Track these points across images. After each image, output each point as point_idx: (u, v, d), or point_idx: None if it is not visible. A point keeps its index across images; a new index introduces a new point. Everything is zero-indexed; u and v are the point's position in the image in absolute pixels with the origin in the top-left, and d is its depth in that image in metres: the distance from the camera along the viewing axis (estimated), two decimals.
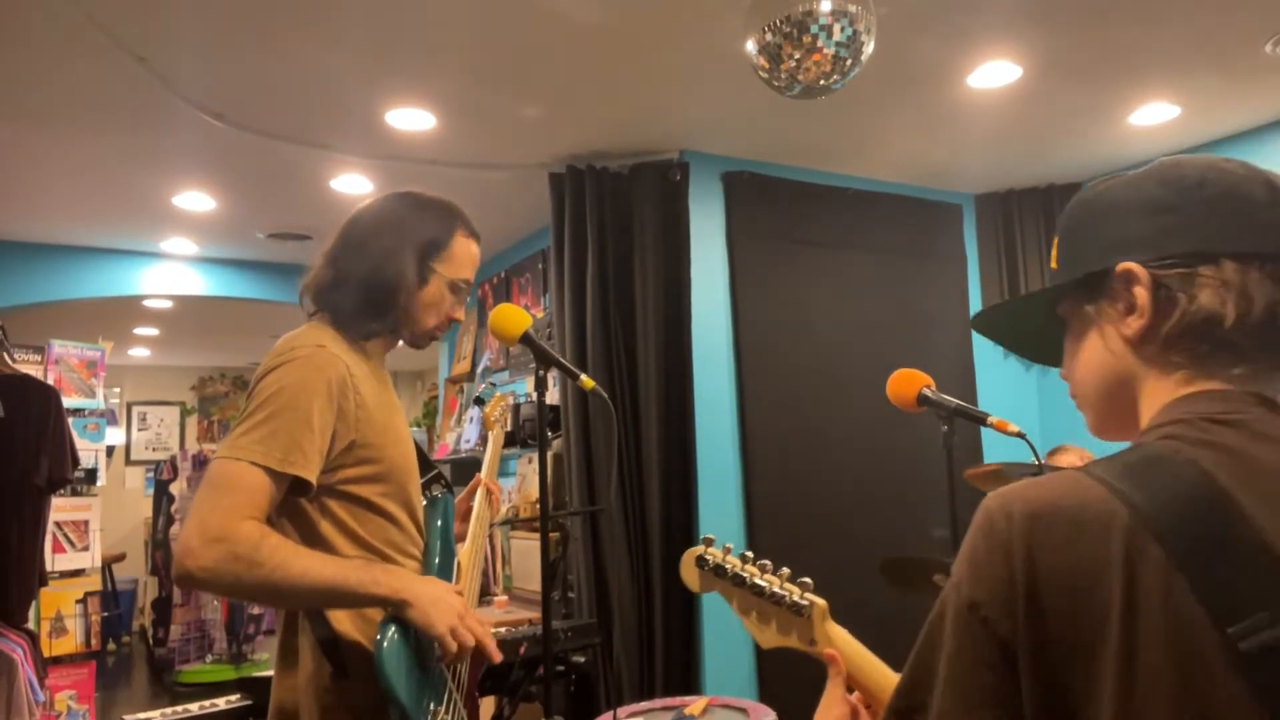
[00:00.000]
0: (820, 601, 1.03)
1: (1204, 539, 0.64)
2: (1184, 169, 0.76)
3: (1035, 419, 4.36)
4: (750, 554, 1.07)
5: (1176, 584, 0.63)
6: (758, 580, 1.04)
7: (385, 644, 1.38)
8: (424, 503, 1.68)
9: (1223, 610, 0.62)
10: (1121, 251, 0.75)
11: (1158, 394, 0.75)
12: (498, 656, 1.51)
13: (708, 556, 1.07)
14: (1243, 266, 0.71)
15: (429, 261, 1.60)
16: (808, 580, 1.05)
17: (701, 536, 1.11)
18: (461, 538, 1.88)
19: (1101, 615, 0.64)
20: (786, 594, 1.03)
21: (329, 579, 1.36)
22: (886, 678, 0.99)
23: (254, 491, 1.34)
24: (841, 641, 1.02)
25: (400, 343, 1.68)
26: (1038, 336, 0.89)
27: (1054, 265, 0.83)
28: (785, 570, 1.06)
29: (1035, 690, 0.65)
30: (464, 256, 1.65)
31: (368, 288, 1.55)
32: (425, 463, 1.71)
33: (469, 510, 1.94)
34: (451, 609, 1.43)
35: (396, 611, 1.40)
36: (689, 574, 1.08)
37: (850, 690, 0.99)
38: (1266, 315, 0.71)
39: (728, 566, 1.06)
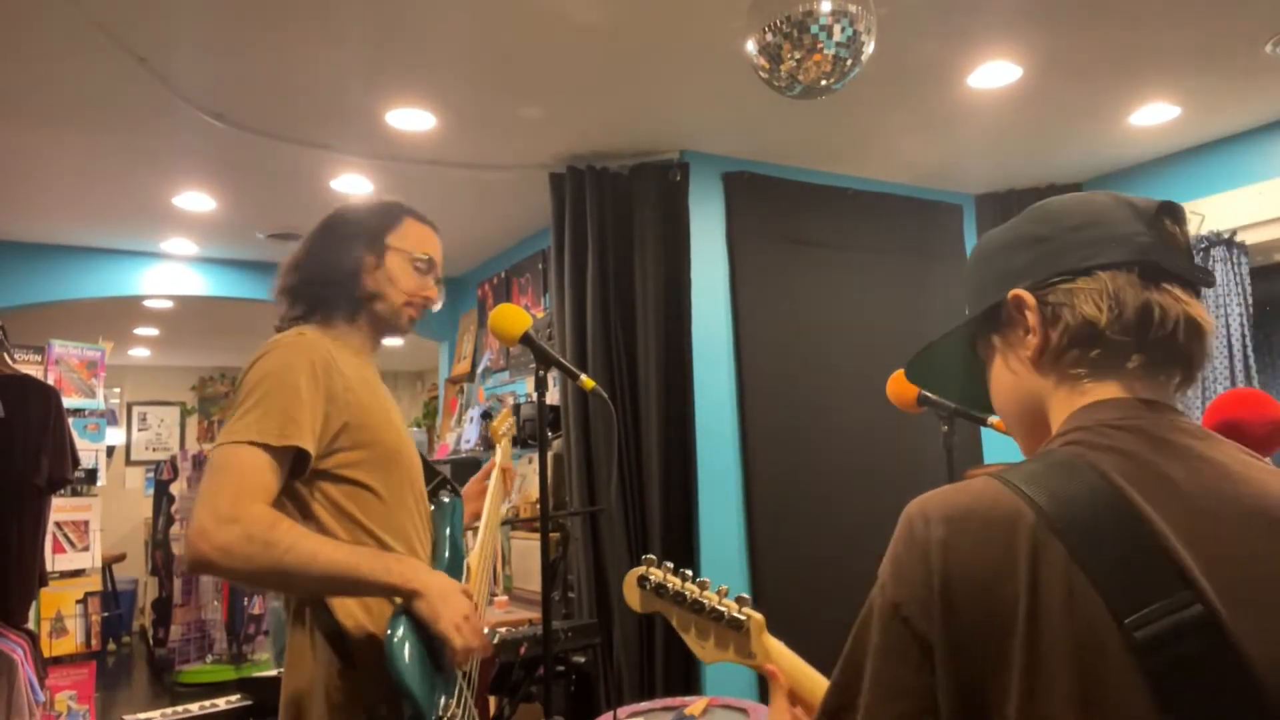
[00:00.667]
0: (757, 616, 1.06)
1: (1102, 536, 0.69)
2: (1051, 207, 0.86)
3: None
4: (689, 572, 1.11)
5: (1076, 578, 0.67)
6: (696, 597, 1.08)
7: (395, 636, 1.38)
8: (432, 508, 1.68)
9: (1120, 602, 0.66)
10: (1010, 282, 0.84)
11: (1063, 405, 0.82)
12: (487, 652, 1.52)
13: (649, 576, 1.10)
14: (1113, 274, 0.79)
15: (382, 240, 1.66)
16: (745, 596, 1.08)
17: (643, 556, 1.14)
18: (477, 516, 1.90)
19: (1008, 610, 0.68)
20: (725, 610, 1.06)
21: (340, 564, 1.36)
22: (817, 683, 1.03)
23: (259, 470, 1.35)
24: (779, 655, 1.06)
25: (390, 340, 1.71)
26: (973, 382, 0.96)
27: (967, 313, 0.91)
28: (724, 587, 1.10)
29: (950, 685, 0.69)
30: (417, 235, 1.71)
31: (326, 275, 1.62)
32: (430, 470, 1.72)
33: (483, 490, 1.95)
34: (460, 607, 1.43)
35: (406, 601, 1.41)
36: (631, 594, 1.11)
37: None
38: (1140, 312, 0.78)
39: (668, 585, 1.09)
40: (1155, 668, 0.65)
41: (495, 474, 1.95)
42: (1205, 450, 0.75)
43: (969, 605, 0.69)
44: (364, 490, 1.50)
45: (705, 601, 1.07)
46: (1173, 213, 0.82)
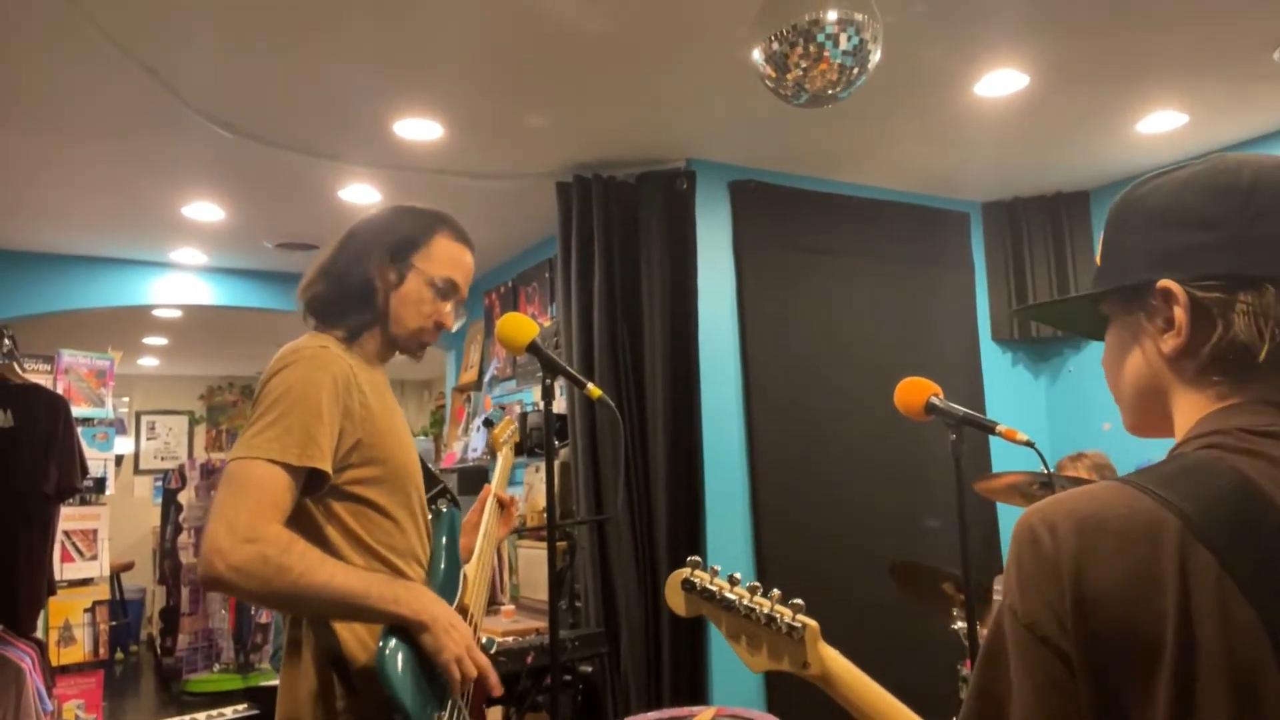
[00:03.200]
0: (812, 623, 1.00)
1: (1253, 544, 0.64)
2: (1236, 176, 0.74)
3: (1044, 427, 4.34)
4: (738, 575, 1.05)
5: (1229, 592, 0.62)
6: (748, 603, 1.02)
7: (387, 651, 1.38)
8: (430, 516, 1.67)
9: (1276, 613, 0.62)
10: (1162, 266, 0.74)
11: (1193, 406, 0.75)
12: (499, 690, 1.51)
13: (695, 579, 1.04)
14: None
15: (406, 258, 1.60)
16: (799, 602, 1.02)
17: (688, 559, 1.08)
18: (468, 550, 1.85)
19: (1156, 627, 0.63)
20: (779, 616, 1.01)
21: (351, 591, 1.35)
22: (881, 699, 0.98)
23: (276, 490, 1.34)
24: (834, 663, 1.01)
25: (391, 350, 1.68)
26: (1078, 317, 0.90)
27: (1098, 261, 0.83)
28: (776, 592, 1.04)
29: (1093, 704, 0.64)
30: (445, 256, 1.63)
31: (344, 284, 1.58)
32: (430, 477, 1.71)
33: (477, 524, 1.89)
34: (463, 638, 1.43)
35: (413, 632, 1.40)
36: (675, 598, 1.05)
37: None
38: None
39: (715, 590, 1.03)
40: None
41: (490, 502, 1.88)
42: None
43: (1111, 622, 0.64)
44: (372, 509, 1.50)
45: (757, 607, 1.01)
46: None
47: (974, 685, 0.71)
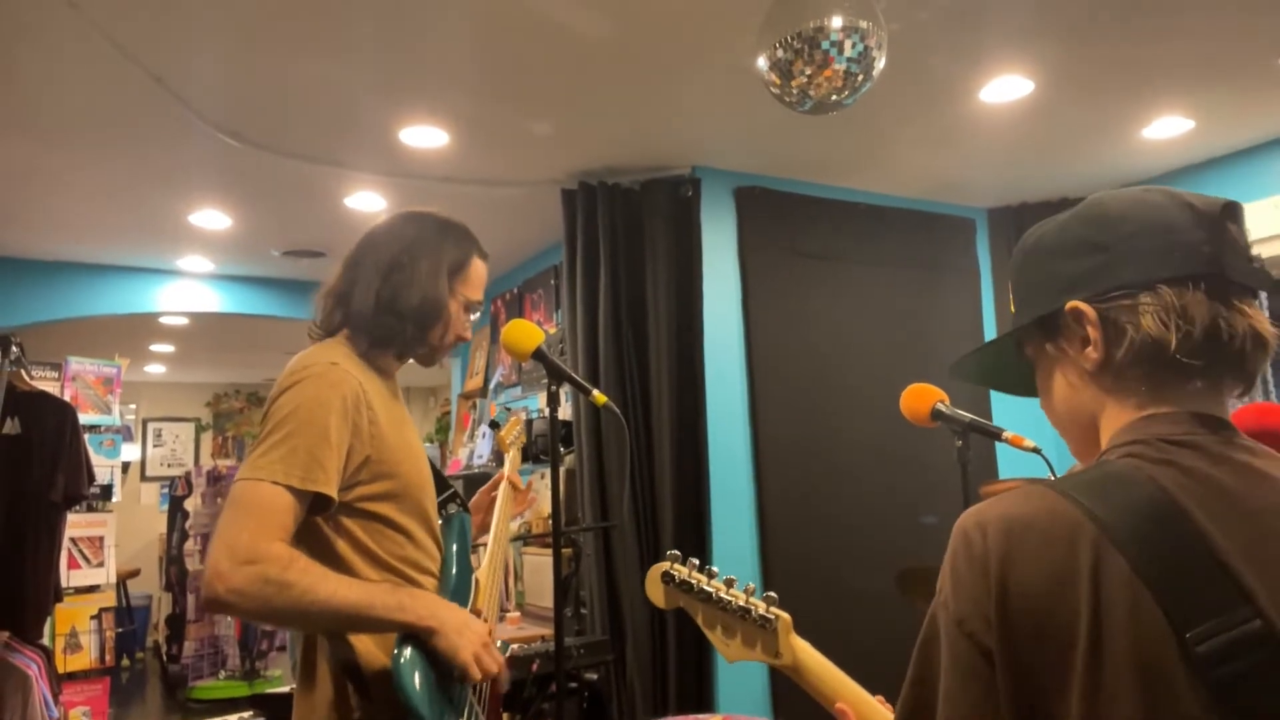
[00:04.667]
0: (785, 615, 1.06)
1: (1164, 550, 0.69)
2: (1106, 208, 0.82)
3: (1050, 433, 4.31)
4: (715, 569, 1.09)
5: (1139, 592, 0.67)
6: (723, 594, 1.07)
7: (402, 659, 1.38)
8: (440, 521, 1.68)
9: (1182, 616, 0.66)
10: (1067, 291, 0.81)
11: (1117, 418, 0.81)
12: (504, 687, 1.52)
13: (674, 572, 1.09)
14: (1178, 289, 0.76)
15: (454, 283, 1.63)
16: (773, 595, 1.07)
17: (668, 552, 1.13)
18: (485, 529, 1.87)
19: (1069, 624, 0.68)
20: (752, 608, 1.06)
21: (355, 603, 1.35)
22: (848, 688, 1.04)
23: (279, 511, 1.34)
24: (806, 655, 1.06)
25: (409, 360, 1.69)
26: (1011, 371, 0.96)
27: (1012, 310, 0.89)
28: (750, 585, 1.10)
29: (1010, 698, 0.69)
30: (478, 278, 1.68)
31: (419, 315, 1.57)
32: (441, 481, 1.71)
33: (491, 501, 1.91)
34: (477, 636, 1.43)
35: (424, 638, 1.40)
36: (654, 590, 1.10)
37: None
38: (1209, 331, 0.76)
39: (694, 582, 1.08)
40: (1216, 682, 0.65)
41: (504, 487, 1.92)
42: (1264, 467, 0.75)
43: (1028, 619, 0.69)
44: (384, 524, 1.50)
45: (731, 599, 1.06)
46: (1234, 215, 0.79)
47: (911, 675, 0.77)
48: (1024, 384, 0.95)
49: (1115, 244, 0.79)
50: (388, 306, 1.55)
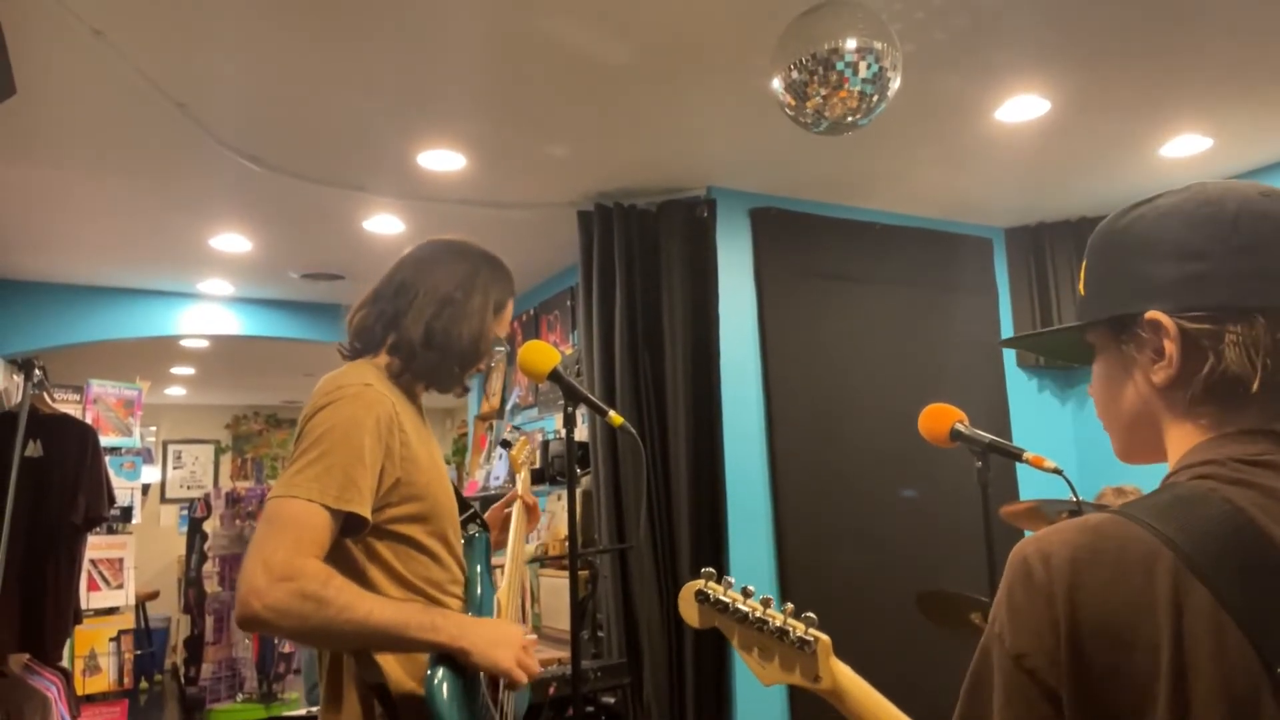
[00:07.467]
0: (824, 637, 1.01)
1: (1247, 578, 0.64)
2: (1220, 208, 0.73)
3: (1072, 454, 4.28)
4: (752, 588, 1.05)
5: (1224, 624, 0.62)
6: (760, 615, 1.02)
7: (435, 681, 1.38)
8: (462, 541, 1.68)
9: (1272, 649, 0.62)
10: (1149, 298, 0.74)
11: (1185, 436, 0.75)
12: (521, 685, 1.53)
13: (708, 591, 1.04)
14: (1272, 324, 0.69)
15: (494, 322, 1.67)
16: (811, 615, 1.03)
17: (702, 570, 1.08)
18: (499, 546, 1.87)
19: (1150, 660, 0.63)
20: (790, 629, 1.01)
21: (390, 622, 1.35)
22: (892, 715, 0.99)
23: (314, 529, 1.33)
24: (845, 679, 1.01)
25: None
26: (1064, 345, 0.90)
27: (1081, 291, 0.83)
28: (789, 605, 1.04)
29: None
30: (508, 316, 1.72)
31: (465, 353, 1.60)
32: (461, 501, 1.72)
33: (506, 518, 1.92)
34: (514, 642, 1.44)
35: (457, 659, 1.40)
36: (688, 609, 1.06)
37: None
38: None
39: (729, 601, 1.04)
40: None
41: (517, 506, 1.92)
42: None
43: (1104, 655, 0.64)
44: (412, 546, 1.50)
45: (769, 619, 1.02)
46: None
47: (960, 712, 0.71)
48: (1079, 354, 0.88)
49: (1217, 254, 0.71)
50: (438, 341, 1.57)
